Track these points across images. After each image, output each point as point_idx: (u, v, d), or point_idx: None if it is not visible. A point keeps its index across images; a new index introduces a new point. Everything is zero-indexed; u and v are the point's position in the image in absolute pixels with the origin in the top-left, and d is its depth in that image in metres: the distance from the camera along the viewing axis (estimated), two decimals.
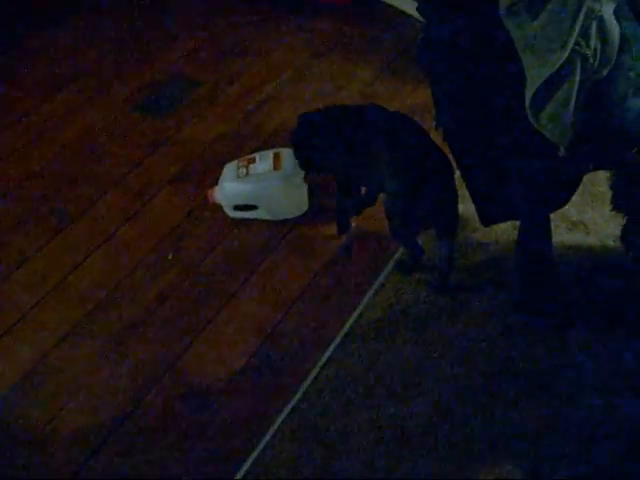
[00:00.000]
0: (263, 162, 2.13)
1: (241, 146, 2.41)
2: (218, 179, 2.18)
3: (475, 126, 1.61)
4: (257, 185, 2.11)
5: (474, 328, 1.85)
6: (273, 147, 2.27)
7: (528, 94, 1.46)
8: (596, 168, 1.75)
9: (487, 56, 1.54)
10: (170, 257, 2.08)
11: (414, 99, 2.58)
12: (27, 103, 2.68)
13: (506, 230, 2.03)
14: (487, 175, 1.68)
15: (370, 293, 1.95)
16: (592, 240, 2.04)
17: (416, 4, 1.69)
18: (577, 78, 1.43)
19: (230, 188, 2.12)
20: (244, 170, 2.12)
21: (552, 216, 1.85)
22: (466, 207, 2.08)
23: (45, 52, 2.93)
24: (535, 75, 1.44)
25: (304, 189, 2.17)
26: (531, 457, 1.60)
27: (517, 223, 1.91)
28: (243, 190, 2.11)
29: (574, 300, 1.88)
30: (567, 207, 1.82)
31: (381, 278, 1.98)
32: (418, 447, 1.63)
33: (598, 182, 2.08)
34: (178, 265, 2.07)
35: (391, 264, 2.02)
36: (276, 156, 2.14)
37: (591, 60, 1.41)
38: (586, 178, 1.76)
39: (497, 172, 1.64)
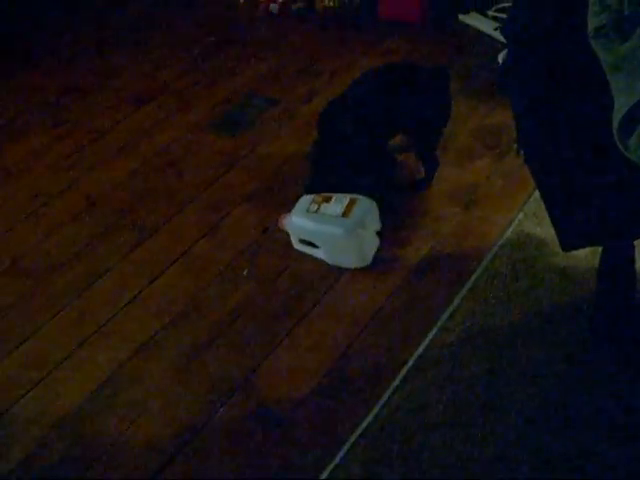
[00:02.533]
0: (336, 204, 2.07)
1: None
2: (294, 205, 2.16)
3: (558, 153, 1.58)
4: (320, 226, 2.06)
5: (550, 353, 1.80)
6: None
7: (616, 118, 1.42)
8: None
9: (572, 82, 1.51)
10: (245, 273, 2.10)
11: (491, 119, 2.56)
12: (106, 119, 2.77)
13: (586, 256, 1.98)
14: (569, 199, 1.64)
15: (445, 316, 1.92)
16: None
17: (495, 25, 1.67)
18: None
19: (297, 220, 2.10)
20: (315, 207, 2.08)
21: (636, 243, 1.80)
22: (545, 231, 2.06)
23: (127, 70, 3.03)
24: (624, 99, 1.41)
25: (368, 242, 2.11)
26: None
27: (598, 249, 1.86)
28: (307, 226, 2.08)
29: None
30: None
31: (456, 301, 1.96)
32: (494, 469, 1.60)
33: None
34: (252, 282, 2.09)
35: (466, 288, 1.99)
36: (351, 202, 2.07)
37: None
38: None
39: (580, 196, 1.60)
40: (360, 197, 2.09)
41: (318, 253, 2.11)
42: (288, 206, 2.17)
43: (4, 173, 2.59)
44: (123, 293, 2.09)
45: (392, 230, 2.19)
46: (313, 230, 2.08)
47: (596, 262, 1.90)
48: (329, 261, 2.10)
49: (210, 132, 2.66)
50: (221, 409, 1.79)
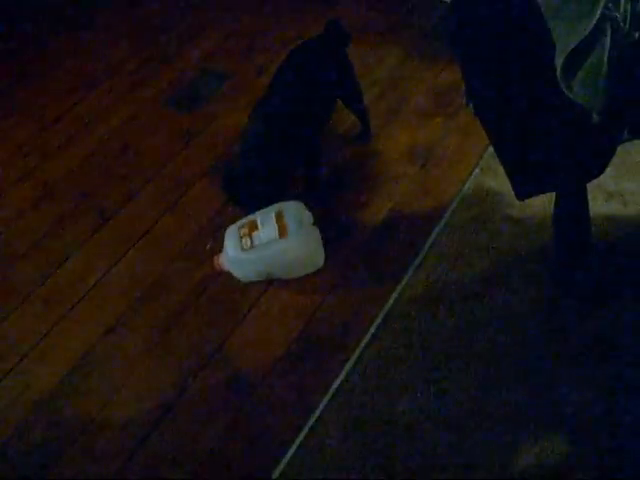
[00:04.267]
0: (266, 228, 1.93)
1: None
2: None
3: (506, 100, 1.60)
4: (266, 256, 1.93)
5: (512, 301, 1.85)
6: None
7: (559, 62, 1.45)
8: (632, 137, 1.73)
9: (516, 29, 1.53)
10: (208, 247, 2.11)
11: (442, 79, 2.57)
12: (59, 105, 2.73)
13: (542, 205, 2.02)
14: (520, 148, 1.66)
15: (409, 273, 1.96)
16: (630, 211, 2.02)
17: None
18: (608, 43, 1.41)
19: (237, 262, 1.95)
20: (248, 241, 1.93)
21: (588, 187, 1.84)
22: (500, 183, 2.10)
23: (73, 53, 2.98)
24: (565, 43, 1.43)
25: (318, 244, 2.01)
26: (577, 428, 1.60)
27: (553, 197, 1.90)
28: (253, 262, 1.94)
29: (610, 272, 1.87)
30: (603, 178, 1.79)
31: (418, 258, 1.99)
32: (466, 420, 1.64)
33: (635, 152, 2.06)
34: (217, 250, 2.09)
35: (428, 244, 2.02)
36: (278, 218, 1.94)
37: (621, 24, 1.39)
38: (622, 148, 1.74)
39: (530, 144, 1.63)
40: (282, 205, 1.98)
41: (271, 277, 2.00)
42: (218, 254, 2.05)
43: None
44: (89, 276, 2.09)
45: (351, 193, 2.21)
46: (260, 263, 1.95)
47: (550, 211, 1.94)
48: (288, 276, 2.00)
49: (165, 110, 2.64)
50: (195, 381, 1.81)
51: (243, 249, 1.93)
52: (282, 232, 1.92)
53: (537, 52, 1.51)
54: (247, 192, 2.05)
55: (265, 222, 1.95)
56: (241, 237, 1.95)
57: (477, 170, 2.21)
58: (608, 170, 1.74)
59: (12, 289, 2.09)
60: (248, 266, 1.96)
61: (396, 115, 2.44)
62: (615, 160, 1.72)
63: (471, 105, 1.71)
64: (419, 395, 1.70)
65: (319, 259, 2.02)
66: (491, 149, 2.20)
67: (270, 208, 1.99)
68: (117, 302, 2.01)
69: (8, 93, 2.84)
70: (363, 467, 1.60)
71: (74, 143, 2.56)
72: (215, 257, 2.01)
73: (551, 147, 1.62)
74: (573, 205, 1.83)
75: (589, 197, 1.84)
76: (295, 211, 1.96)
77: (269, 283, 2.00)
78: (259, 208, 2.00)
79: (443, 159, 2.28)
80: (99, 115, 2.65)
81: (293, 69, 2.19)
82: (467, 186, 2.17)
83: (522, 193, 1.78)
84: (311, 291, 1.97)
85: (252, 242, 1.93)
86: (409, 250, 2.02)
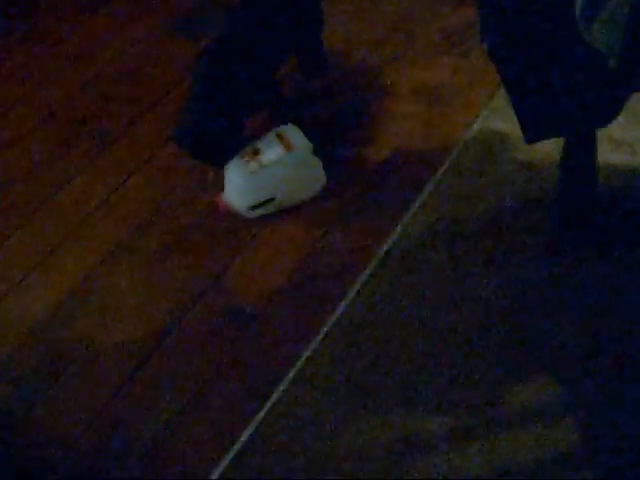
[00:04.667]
0: (271, 149, 1.95)
1: None
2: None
3: (521, 40, 1.57)
4: (278, 173, 1.94)
5: (514, 244, 1.84)
6: None
7: (578, 3, 1.41)
8: None
9: None
10: (211, 176, 2.09)
11: (455, 18, 2.52)
12: (60, 28, 2.67)
13: (549, 150, 2.00)
14: (532, 90, 1.64)
15: (411, 211, 1.94)
16: (637, 160, 2.00)
17: None
18: None
19: (246, 187, 1.94)
20: (254, 164, 1.93)
21: (597, 135, 1.82)
22: (509, 127, 2.07)
23: None
24: None
25: (320, 163, 2.03)
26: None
27: (561, 143, 1.88)
28: (263, 184, 1.94)
29: (614, 221, 1.87)
30: (612, 126, 1.77)
31: (421, 197, 1.98)
32: (466, 351, 1.66)
33: None
34: (217, 186, 2.07)
35: (432, 184, 2.01)
36: (280, 137, 1.97)
37: None
38: (632, 97, 1.72)
39: (542, 87, 1.60)
40: (280, 128, 2.00)
41: (275, 206, 1.98)
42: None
43: None
44: (88, 201, 2.07)
45: (356, 130, 2.18)
46: (270, 183, 1.95)
47: (559, 156, 1.92)
48: (291, 204, 1.99)
49: (170, 38, 2.58)
50: (193, 309, 1.81)
51: (251, 172, 1.93)
52: (288, 147, 1.94)
53: None
54: (207, 145, 1.97)
55: (267, 144, 1.96)
56: (246, 163, 1.94)
57: (485, 112, 2.18)
58: (618, 119, 1.72)
59: (12, 211, 2.08)
60: (257, 189, 1.94)
61: (405, 52, 2.39)
62: (625, 109, 1.70)
63: (485, 44, 1.67)
64: (413, 334, 1.71)
65: (322, 179, 2.03)
66: (500, 91, 2.18)
67: (268, 133, 1.99)
68: (116, 228, 2.00)
69: (7, 15, 2.78)
70: (353, 401, 1.62)
71: (73, 68, 2.52)
72: (217, 199, 1.99)
73: (564, 90, 1.59)
74: (581, 151, 1.81)
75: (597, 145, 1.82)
76: (295, 131, 1.98)
77: (268, 217, 1.99)
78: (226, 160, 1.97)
79: (451, 99, 2.25)
80: (103, 39, 2.61)
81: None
82: (474, 127, 2.14)
83: (531, 136, 1.76)
84: (311, 225, 1.96)
85: (260, 163, 1.93)
86: (412, 189, 2.00)
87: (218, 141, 1.96)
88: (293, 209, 2.00)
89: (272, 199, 1.97)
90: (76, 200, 2.08)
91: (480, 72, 2.30)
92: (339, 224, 1.96)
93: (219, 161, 1.99)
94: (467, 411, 1.57)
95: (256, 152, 1.95)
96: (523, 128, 1.74)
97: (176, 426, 1.62)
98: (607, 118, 1.71)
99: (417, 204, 1.96)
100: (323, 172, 2.03)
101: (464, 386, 1.61)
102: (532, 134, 1.76)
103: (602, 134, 1.89)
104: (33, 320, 1.83)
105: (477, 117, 2.17)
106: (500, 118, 2.15)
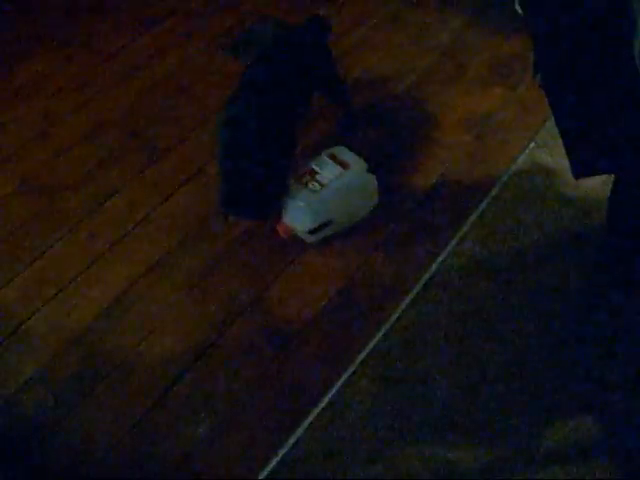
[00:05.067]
0: (327, 168, 1.98)
1: None
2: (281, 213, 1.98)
3: (576, 75, 1.56)
4: (338, 191, 1.95)
5: (556, 280, 1.83)
6: (361, 93, 2.26)
7: (637, 40, 1.41)
8: None
9: (594, 3, 1.49)
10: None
11: (504, 49, 2.52)
12: (116, 41, 2.73)
13: (597, 187, 1.99)
14: (584, 124, 1.63)
15: (453, 242, 1.94)
16: None
17: None
18: None
19: (309, 208, 1.93)
20: (314, 184, 1.95)
21: None
22: (556, 161, 2.07)
23: None
24: None
25: (374, 180, 2.04)
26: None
27: (609, 181, 1.86)
28: (324, 203, 1.94)
29: None
30: None
31: (465, 228, 1.97)
32: (506, 383, 1.65)
33: None
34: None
35: (475, 215, 2.00)
36: (333, 158, 2.00)
37: None
38: None
39: (596, 121, 1.59)
40: (330, 150, 2.03)
41: (334, 228, 1.99)
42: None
43: (13, 94, 2.57)
44: (134, 213, 2.11)
45: (403, 158, 2.18)
46: (333, 201, 1.95)
47: (605, 194, 1.90)
48: (349, 223, 2.01)
49: (221, 55, 2.62)
50: (231, 328, 1.82)
51: (313, 192, 1.94)
52: (344, 166, 1.98)
53: (615, 26, 1.47)
54: (255, 202, 1.95)
55: (322, 165, 1.99)
56: (306, 184, 1.96)
57: (532, 144, 2.18)
58: None
59: (59, 219, 2.11)
60: (320, 209, 1.94)
61: (454, 82, 2.40)
62: None
63: (538, 76, 1.67)
64: (453, 364, 1.70)
65: (376, 195, 2.05)
66: (548, 124, 2.17)
67: (319, 156, 2.01)
68: (161, 241, 2.02)
69: (67, 24, 2.85)
70: (391, 429, 1.61)
71: (128, 80, 2.57)
72: (278, 225, 1.97)
73: (617, 127, 1.58)
74: (631, 189, 1.79)
75: None
76: (346, 150, 2.02)
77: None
78: (270, 212, 1.96)
79: (498, 130, 2.25)
80: (154, 55, 2.65)
81: (265, 65, 2.05)
82: (521, 160, 2.14)
83: (580, 171, 1.74)
84: (354, 250, 1.97)
85: (320, 182, 1.95)
86: (456, 219, 2.00)
87: (266, 199, 1.95)
88: (338, 235, 2.01)
89: (330, 221, 1.97)
90: (123, 211, 2.11)
91: (528, 104, 2.30)
92: (382, 250, 1.96)
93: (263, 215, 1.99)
94: (506, 444, 1.56)
95: (312, 173, 1.97)
96: (572, 163, 1.73)
97: (209, 443, 1.63)
98: None
99: (460, 234, 1.96)
100: (377, 189, 2.05)
101: (504, 419, 1.60)
102: (581, 170, 1.74)
103: None
104: (73, 329, 1.86)
105: (523, 150, 2.17)
106: (547, 152, 2.15)
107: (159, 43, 2.70)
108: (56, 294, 1.93)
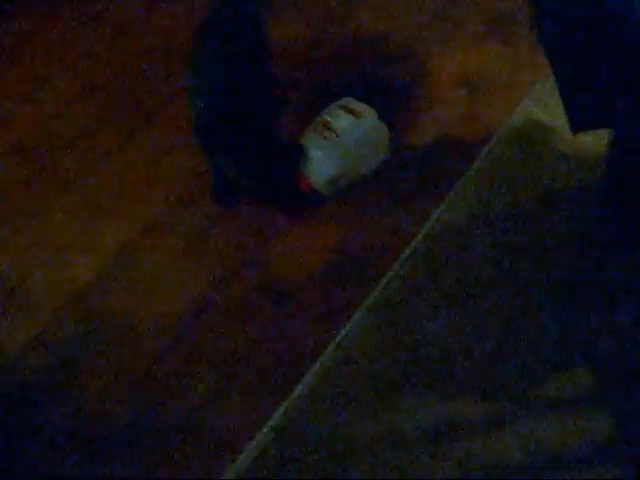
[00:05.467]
0: (340, 118, 1.98)
1: (321, 49, 2.38)
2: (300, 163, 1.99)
3: (577, 25, 1.55)
4: (354, 139, 1.96)
5: (553, 233, 1.85)
6: (356, 50, 2.23)
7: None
8: None
9: None
10: None
11: (499, 5, 2.47)
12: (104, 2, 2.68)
13: (593, 143, 1.99)
14: (584, 78, 1.62)
15: (450, 196, 1.95)
16: None
17: None
18: None
19: (327, 157, 1.95)
20: (331, 134, 1.96)
21: None
22: (550, 115, 2.06)
23: None
24: None
25: (386, 128, 2.05)
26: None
27: (605, 136, 1.87)
28: (342, 152, 1.96)
29: None
30: None
31: (461, 183, 1.98)
32: (504, 338, 1.67)
33: None
34: None
35: (472, 170, 2.00)
36: (344, 108, 2.01)
37: None
38: None
39: (595, 75, 1.59)
40: (341, 101, 2.03)
41: (350, 178, 1.99)
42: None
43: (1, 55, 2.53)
44: (129, 173, 2.09)
45: (397, 115, 2.17)
46: (352, 148, 1.96)
47: (601, 149, 1.90)
48: (366, 172, 2.01)
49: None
50: (230, 284, 1.83)
51: (330, 141, 1.94)
52: (356, 115, 1.98)
53: None
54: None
55: (335, 116, 1.99)
56: (322, 134, 1.96)
57: (527, 101, 2.17)
58: None
59: (56, 179, 2.10)
60: (337, 157, 1.95)
61: (449, 38, 2.38)
62: None
63: (536, 32, 1.66)
64: (451, 318, 1.72)
65: (387, 144, 2.05)
66: (542, 82, 2.16)
67: (330, 107, 2.01)
68: (157, 201, 2.02)
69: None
70: (389, 385, 1.63)
71: (118, 41, 2.51)
72: (299, 177, 1.98)
73: (617, 80, 1.58)
74: (628, 145, 1.79)
75: None
76: (356, 101, 2.02)
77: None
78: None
79: (493, 86, 2.23)
80: (144, 16, 2.59)
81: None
82: (515, 116, 2.13)
83: (577, 125, 1.74)
84: (350, 208, 1.97)
85: (335, 132, 1.95)
86: (451, 175, 2.00)
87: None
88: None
89: (348, 170, 1.98)
90: (117, 172, 2.10)
91: (523, 61, 2.28)
92: (378, 208, 1.96)
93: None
94: (504, 398, 1.58)
95: (326, 124, 1.97)
96: (570, 117, 1.73)
97: (211, 400, 1.65)
98: None
99: (456, 191, 1.96)
100: (389, 138, 2.05)
101: (502, 374, 1.62)
102: (579, 124, 1.74)
103: None
104: (73, 288, 1.86)
105: (518, 105, 2.16)
106: (542, 107, 2.14)
107: (141, 3, 2.64)
108: (52, 256, 1.93)
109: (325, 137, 1.96)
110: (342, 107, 2.02)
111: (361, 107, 2.02)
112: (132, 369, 1.71)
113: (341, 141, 1.95)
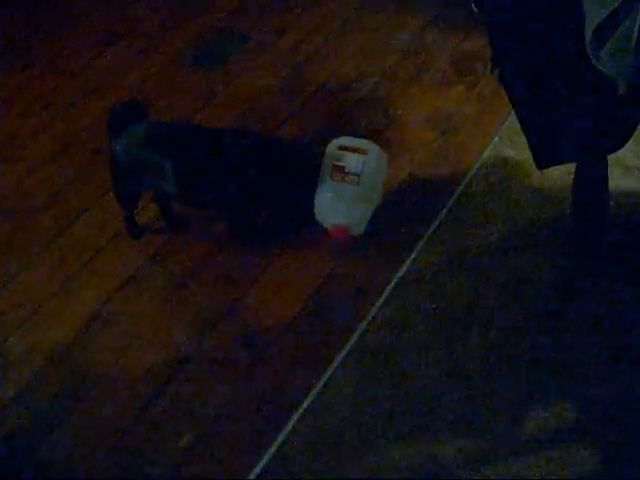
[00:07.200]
0: (349, 159, 1.96)
1: (291, 99, 2.43)
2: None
3: (532, 67, 1.60)
4: (372, 175, 1.97)
5: (528, 267, 1.87)
6: (325, 98, 2.27)
7: (588, 31, 1.44)
8: None
9: None
10: None
11: (463, 47, 2.56)
12: (78, 59, 2.71)
13: (560, 175, 2.03)
14: (543, 117, 1.67)
15: (425, 238, 1.97)
16: None
17: None
18: (638, 14, 1.40)
19: (361, 198, 1.97)
20: (353, 177, 1.94)
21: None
22: (520, 153, 2.10)
23: (93, 8, 2.96)
24: (595, 12, 1.42)
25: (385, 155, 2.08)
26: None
27: (572, 169, 1.90)
28: (366, 190, 1.97)
29: (627, 245, 1.89)
30: (622, 152, 1.80)
31: (435, 224, 2.01)
32: (484, 375, 1.69)
33: None
34: None
35: (445, 210, 2.03)
36: (346, 148, 2.00)
37: None
38: None
39: (554, 112, 1.63)
40: (335, 142, 2.02)
41: (372, 209, 2.03)
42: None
43: None
44: (105, 230, 2.10)
45: None
46: (372, 184, 1.98)
47: (570, 182, 1.94)
48: (376, 205, 2.04)
49: (184, 68, 2.63)
50: (209, 337, 1.83)
51: (353, 184, 1.94)
52: (362, 152, 1.98)
53: (567, 19, 1.51)
54: None
55: (342, 158, 1.97)
56: (342, 180, 1.95)
57: (496, 139, 2.21)
58: (628, 144, 1.74)
59: (29, 240, 2.10)
60: (366, 197, 1.97)
61: (416, 82, 2.43)
62: (636, 134, 1.72)
63: (496, 72, 1.70)
64: (430, 359, 1.72)
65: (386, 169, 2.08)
66: (510, 119, 2.21)
67: (327, 155, 1.98)
68: (133, 257, 2.02)
69: (28, 45, 2.83)
70: (373, 427, 1.63)
71: (91, 99, 2.56)
72: (332, 231, 1.99)
73: (575, 116, 1.62)
74: (593, 177, 1.83)
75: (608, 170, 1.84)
76: (349, 139, 2.03)
77: (282, 246, 2.02)
78: None
79: (462, 127, 2.28)
80: (117, 71, 2.65)
81: None
82: (486, 155, 2.17)
83: (542, 162, 1.78)
84: (325, 253, 1.98)
85: (356, 175, 1.94)
86: (425, 216, 2.03)
87: None
88: (307, 237, 2.03)
89: (373, 206, 2.01)
90: (93, 229, 2.11)
91: (489, 100, 2.34)
92: (353, 252, 1.98)
93: None
94: (485, 435, 1.58)
95: (340, 169, 1.96)
96: (534, 154, 1.77)
97: (194, 453, 1.64)
98: (618, 143, 1.74)
99: (430, 231, 1.98)
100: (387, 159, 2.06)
101: (483, 410, 1.62)
102: (543, 160, 1.78)
103: (613, 159, 1.92)
104: (53, 346, 1.85)
105: (488, 145, 2.20)
106: (510, 145, 2.18)
107: (121, 59, 2.69)
108: (31, 315, 1.92)
109: (347, 182, 1.95)
110: (343, 148, 2.00)
111: (358, 142, 2.02)
112: (114, 424, 1.70)
113: (363, 181, 1.95)
